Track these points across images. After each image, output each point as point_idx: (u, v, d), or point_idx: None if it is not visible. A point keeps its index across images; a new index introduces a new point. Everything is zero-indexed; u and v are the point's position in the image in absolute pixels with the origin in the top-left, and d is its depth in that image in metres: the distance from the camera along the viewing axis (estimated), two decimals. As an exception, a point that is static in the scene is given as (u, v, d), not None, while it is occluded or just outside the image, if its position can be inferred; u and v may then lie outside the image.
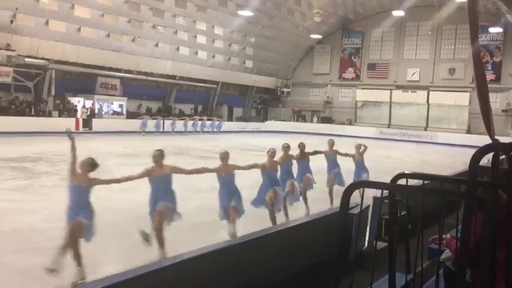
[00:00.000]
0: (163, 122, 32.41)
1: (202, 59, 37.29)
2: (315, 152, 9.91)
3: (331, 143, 10.77)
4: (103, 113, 31.99)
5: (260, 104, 47.13)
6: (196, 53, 36.65)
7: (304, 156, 9.41)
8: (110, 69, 31.64)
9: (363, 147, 11.17)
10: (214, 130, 35.05)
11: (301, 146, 9.52)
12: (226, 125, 37.33)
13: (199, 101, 40.36)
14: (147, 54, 33.00)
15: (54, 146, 20.01)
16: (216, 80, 39.48)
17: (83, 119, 29.58)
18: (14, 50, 25.15)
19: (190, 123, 34.00)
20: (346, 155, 10.78)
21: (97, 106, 31.63)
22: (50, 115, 28.68)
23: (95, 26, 29.18)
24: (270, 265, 3.82)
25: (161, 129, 31.64)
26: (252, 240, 3.83)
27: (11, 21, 25.31)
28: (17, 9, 25.27)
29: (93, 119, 29.89)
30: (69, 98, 31.04)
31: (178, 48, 35.07)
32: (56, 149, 18.78)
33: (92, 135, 27.94)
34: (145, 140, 25.77)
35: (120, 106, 33.29)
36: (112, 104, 32.93)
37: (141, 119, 30.95)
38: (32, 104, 28.37)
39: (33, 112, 27.89)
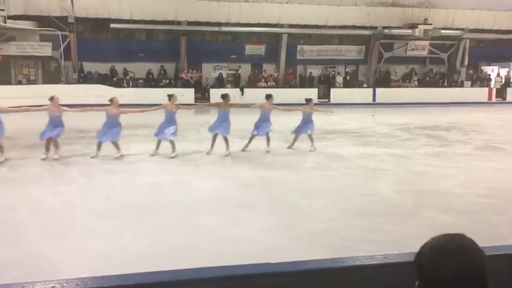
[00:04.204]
0: None
1: None
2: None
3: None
4: (520, 81, 29.43)
5: None
6: None
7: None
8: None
9: None
10: None
11: None
12: None
13: None
14: None
15: (466, 116, 20.16)
16: None
17: (497, 88, 28.19)
18: (430, 24, 26.41)
19: None
20: None
21: (513, 74, 29.38)
22: (461, 85, 28.76)
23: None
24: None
25: None
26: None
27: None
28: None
29: (508, 88, 28.03)
30: (482, 67, 30.19)
31: None
32: (468, 119, 18.88)
33: (505, 105, 26.41)
34: None
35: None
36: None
37: None
38: (445, 75, 29.16)
39: (445, 83, 28.67)
